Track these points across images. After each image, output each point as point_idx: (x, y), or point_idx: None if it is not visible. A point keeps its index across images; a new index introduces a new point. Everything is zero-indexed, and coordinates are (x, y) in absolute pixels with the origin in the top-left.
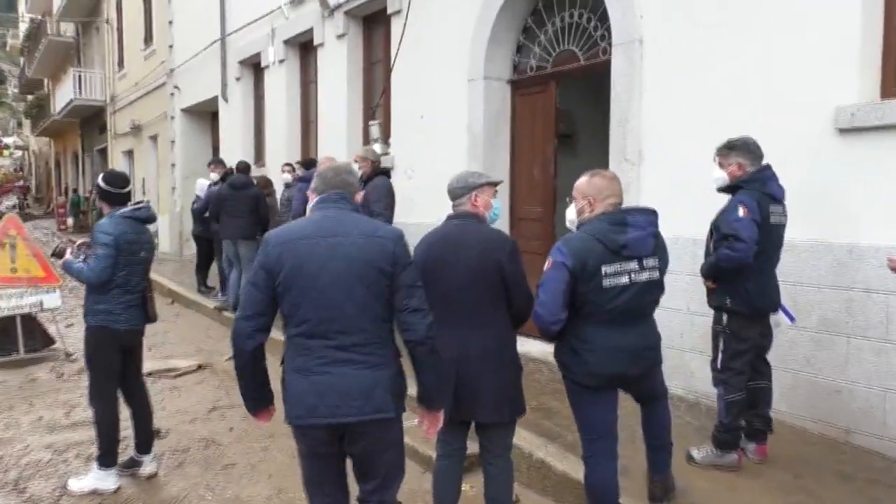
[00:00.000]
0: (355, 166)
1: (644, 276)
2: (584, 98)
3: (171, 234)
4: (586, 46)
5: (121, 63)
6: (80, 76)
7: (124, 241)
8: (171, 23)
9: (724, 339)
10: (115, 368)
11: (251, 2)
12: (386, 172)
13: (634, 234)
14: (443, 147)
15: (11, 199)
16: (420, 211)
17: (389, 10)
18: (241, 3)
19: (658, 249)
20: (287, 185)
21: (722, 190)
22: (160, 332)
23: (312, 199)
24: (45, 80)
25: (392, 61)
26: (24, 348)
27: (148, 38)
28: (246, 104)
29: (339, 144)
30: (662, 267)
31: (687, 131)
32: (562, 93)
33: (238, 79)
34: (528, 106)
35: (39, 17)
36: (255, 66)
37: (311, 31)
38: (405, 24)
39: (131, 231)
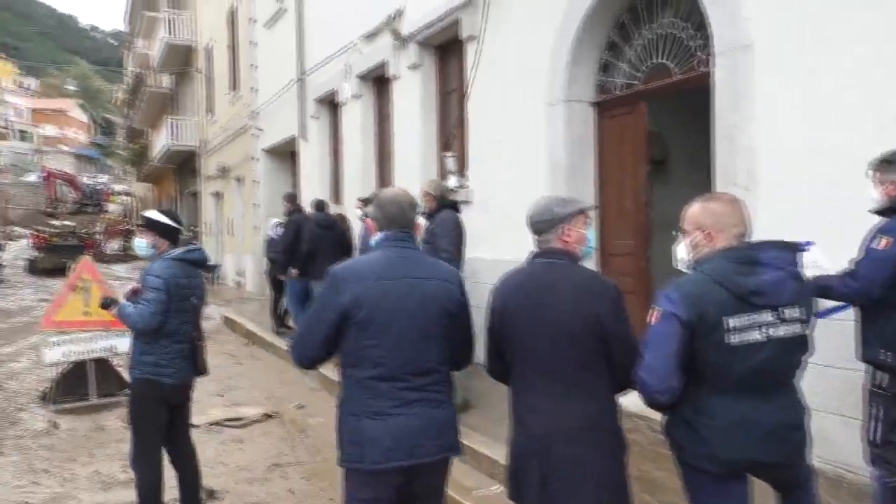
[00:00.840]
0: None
1: (783, 330)
2: (677, 119)
3: (256, 273)
4: (680, 59)
5: (211, 109)
6: (174, 123)
7: (175, 285)
8: (253, 66)
9: (882, 405)
10: (161, 425)
11: (327, 39)
12: (454, 205)
13: (769, 275)
14: (522, 177)
15: (117, 243)
16: (497, 246)
17: (464, 35)
18: (318, 42)
19: (801, 296)
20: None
21: (878, 213)
22: (234, 376)
23: (374, 232)
24: (147, 129)
25: (466, 89)
26: (98, 392)
27: (233, 83)
28: (323, 142)
29: (414, 178)
30: (808, 319)
31: (814, 148)
32: (652, 113)
33: (315, 117)
34: (615, 129)
35: (140, 70)
36: (331, 104)
37: (384, 64)
38: (479, 50)
39: (182, 275)
